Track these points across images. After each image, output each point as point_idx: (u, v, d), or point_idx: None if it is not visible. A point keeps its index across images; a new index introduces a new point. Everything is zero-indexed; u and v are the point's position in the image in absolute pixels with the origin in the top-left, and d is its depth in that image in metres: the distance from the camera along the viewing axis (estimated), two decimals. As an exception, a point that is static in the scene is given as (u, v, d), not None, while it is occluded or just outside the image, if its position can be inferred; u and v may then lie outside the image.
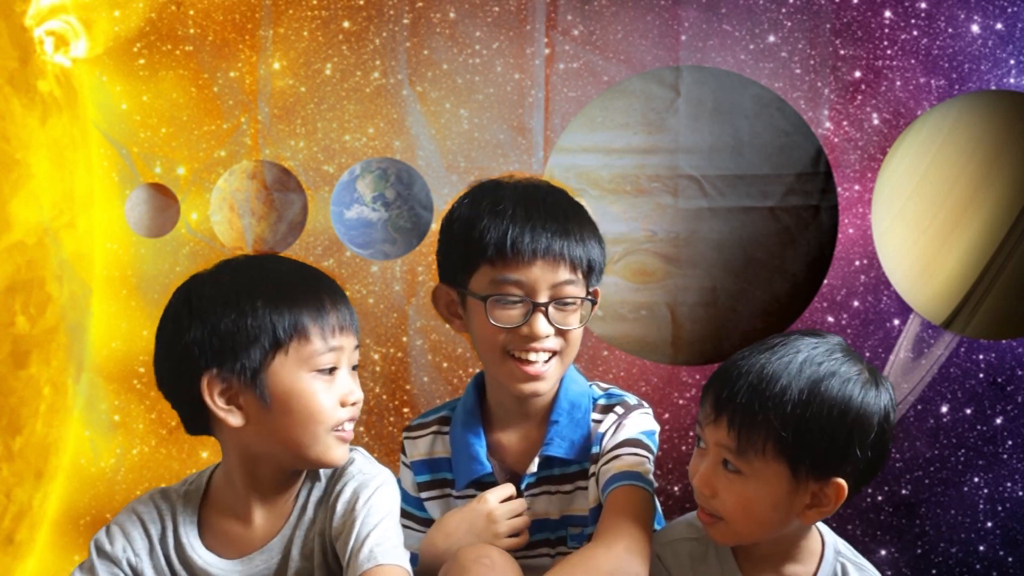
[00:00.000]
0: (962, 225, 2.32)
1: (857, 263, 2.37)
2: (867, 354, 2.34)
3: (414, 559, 1.53)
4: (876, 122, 2.35)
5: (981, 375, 2.36)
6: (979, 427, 2.36)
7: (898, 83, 2.35)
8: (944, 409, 2.36)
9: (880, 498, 2.37)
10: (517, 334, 1.55)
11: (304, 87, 2.39)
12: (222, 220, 2.40)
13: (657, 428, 1.64)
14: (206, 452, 2.39)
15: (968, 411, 2.36)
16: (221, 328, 1.35)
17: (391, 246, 2.41)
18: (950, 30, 2.34)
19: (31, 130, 2.21)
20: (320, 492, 1.46)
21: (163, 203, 2.40)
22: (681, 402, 2.40)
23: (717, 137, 2.38)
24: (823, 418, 1.36)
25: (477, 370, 1.97)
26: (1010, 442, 2.35)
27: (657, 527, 1.58)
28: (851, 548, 1.54)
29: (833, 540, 1.52)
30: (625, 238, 2.40)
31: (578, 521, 1.63)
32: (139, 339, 2.39)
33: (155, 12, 2.38)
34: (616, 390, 1.68)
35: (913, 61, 2.34)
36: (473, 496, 1.62)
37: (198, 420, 1.42)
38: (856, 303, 2.37)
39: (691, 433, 2.35)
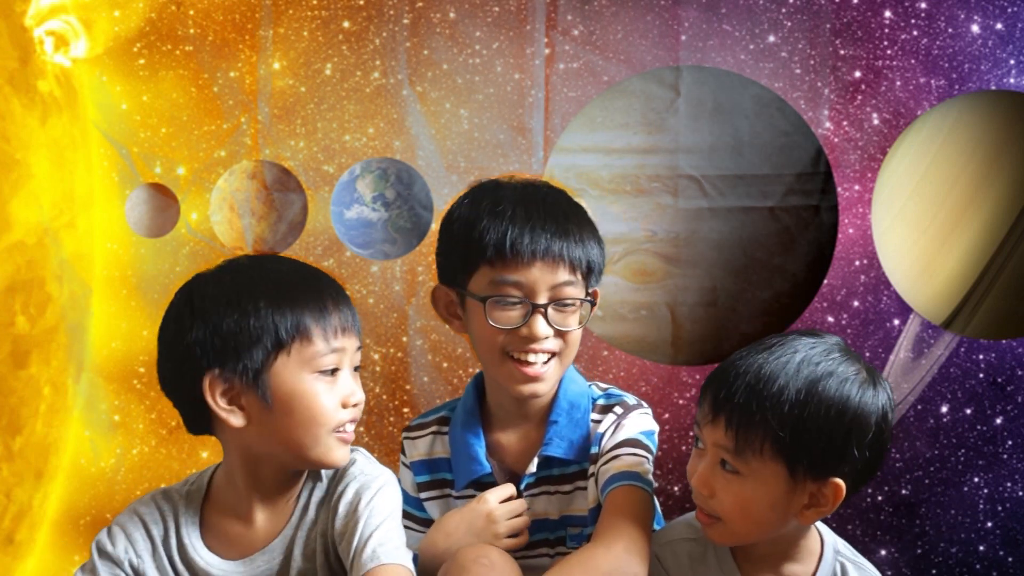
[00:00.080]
0: (962, 225, 2.32)
1: (857, 263, 2.37)
2: (867, 354, 2.34)
3: (414, 559, 1.53)
4: (876, 122, 2.35)
5: (981, 375, 2.36)
6: (979, 427, 2.36)
7: (898, 83, 2.35)
8: (944, 409, 2.36)
9: (880, 498, 2.37)
10: (516, 335, 1.56)
11: (304, 87, 2.39)
12: (222, 220, 2.40)
13: (656, 428, 1.64)
14: (206, 452, 2.39)
15: (968, 411, 2.36)
16: (223, 328, 1.35)
17: (391, 246, 2.41)
18: (950, 30, 2.34)
19: (31, 130, 2.21)
20: (322, 493, 1.46)
21: (163, 203, 2.40)
22: (681, 402, 2.40)
23: (717, 137, 2.38)
24: (820, 418, 1.36)
25: (477, 370, 1.97)
26: (1010, 442, 2.35)
27: (657, 527, 1.58)
28: (850, 548, 1.54)
29: (832, 540, 1.52)
30: (625, 238, 2.40)
31: (577, 521, 1.63)
32: (139, 339, 2.39)
33: (155, 12, 2.37)
34: (615, 390, 1.68)
35: (913, 61, 2.34)
36: (473, 496, 1.62)
37: (200, 420, 1.42)
38: (856, 303, 2.37)
39: (691, 433, 2.35)
